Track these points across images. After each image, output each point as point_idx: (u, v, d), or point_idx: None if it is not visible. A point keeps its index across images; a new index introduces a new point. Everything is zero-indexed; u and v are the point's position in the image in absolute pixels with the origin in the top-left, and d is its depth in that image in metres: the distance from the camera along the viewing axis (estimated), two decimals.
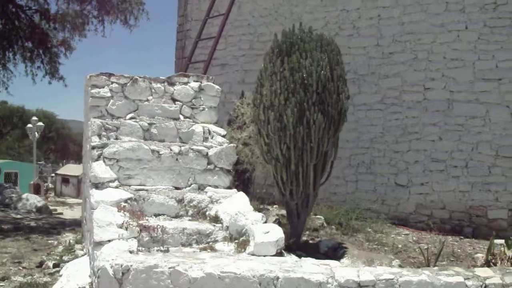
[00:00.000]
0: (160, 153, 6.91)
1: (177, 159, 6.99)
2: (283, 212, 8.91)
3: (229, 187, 7.25)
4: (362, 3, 9.78)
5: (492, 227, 8.33)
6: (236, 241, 5.90)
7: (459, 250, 7.32)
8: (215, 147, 7.30)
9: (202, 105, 8.02)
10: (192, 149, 7.10)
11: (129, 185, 6.67)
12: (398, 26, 9.29)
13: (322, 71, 6.44)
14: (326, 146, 6.55)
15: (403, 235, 8.40)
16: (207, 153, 7.14)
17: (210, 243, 5.99)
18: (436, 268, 5.38)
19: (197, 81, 8.11)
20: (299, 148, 6.48)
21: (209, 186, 7.11)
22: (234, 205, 6.49)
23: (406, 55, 9.19)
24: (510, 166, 8.26)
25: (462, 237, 8.31)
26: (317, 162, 6.58)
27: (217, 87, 8.16)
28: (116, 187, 6.50)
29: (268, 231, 5.73)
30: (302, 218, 6.84)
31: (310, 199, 6.76)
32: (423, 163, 8.98)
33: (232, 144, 7.42)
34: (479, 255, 6.85)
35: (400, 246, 7.59)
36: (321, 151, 6.53)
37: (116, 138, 7.07)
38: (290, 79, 6.46)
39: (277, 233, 5.66)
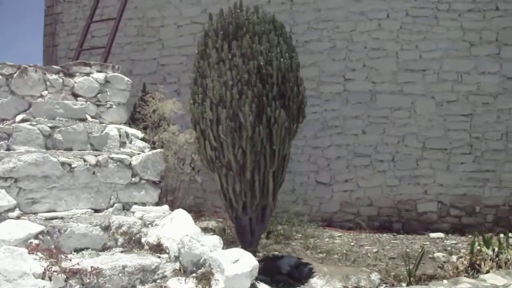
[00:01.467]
0: (73, 166, 5.01)
1: (94, 173, 5.15)
2: (213, 223, 7.45)
3: (157, 203, 5.61)
4: None
5: (422, 220, 7.82)
6: (194, 275, 4.38)
7: (408, 250, 6.57)
8: (137, 153, 5.58)
9: (109, 101, 6.16)
10: (112, 158, 5.30)
11: (35, 213, 4.70)
12: (314, 13, 8.29)
13: (283, 59, 5.11)
14: (287, 148, 5.25)
15: (337, 238, 7.47)
16: (130, 163, 5.40)
17: (159, 281, 4.41)
18: (445, 282, 4.48)
19: (101, 71, 6.21)
20: (256, 152, 5.09)
21: (136, 204, 5.40)
22: (177, 228, 4.91)
23: (323, 44, 8.23)
24: (437, 158, 7.78)
25: (394, 233, 7.65)
26: (277, 167, 5.26)
27: (126, 79, 6.36)
28: (18, 217, 4.50)
29: (237, 259, 4.34)
30: (256, 235, 5.46)
31: (267, 212, 5.41)
32: (346, 158, 8.14)
33: (159, 150, 5.74)
34: (439, 254, 6.16)
35: (346, 251, 6.63)
36: (281, 154, 5.22)
37: (8, 149, 4.98)
38: (243, 68, 5.03)
39: (248, 261, 4.32)
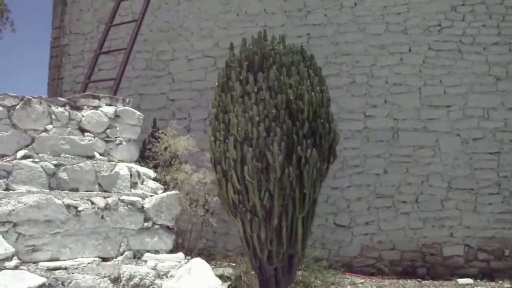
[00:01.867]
0: (79, 209, 4.44)
1: (102, 217, 4.58)
2: (228, 270, 6.80)
3: (172, 251, 5.01)
4: (288, 19, 8.19)
5: (448, 265, 7.20)
6: None
7: None
8: (150, 195, 5.01)
9: (118, 137, 5.62)
10: (122, 200, 4.73)
11: (36, 262, 4.12)
12: (332, 46, 7.86)
13: (314, 93, 4.60)
14: (318, 191, 4.69)
15: (359, 284, 6.83)
16: (142, 206, 4.83)
17: None
18: None
19: (110, 105, 5.70)
20: (284, 196, 4.52)
21: (148, 252, 4.81)
22: (196, 280, 4.33)
23: (342, 79, 7.77)
24: (463, 199, 7.22)
25: (419, 279, 7.01)
26: (307, 212, 4.68)
27: (138, 113, 5.84)
28: (16, 267, 3.92)
29: None
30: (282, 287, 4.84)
31: (295, 261, 4.80)
32: (366, 199, 7.56)
33: (173, 192, 5.16)
34: None
35: None
36: (312, 198, 4.65)
37: (7, 189, 4.39)
38: (270, 102, 4.51)
39: None
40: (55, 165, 4.73)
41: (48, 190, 4.58)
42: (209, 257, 7.78)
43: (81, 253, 4.38)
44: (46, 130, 5.14)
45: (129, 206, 4.73)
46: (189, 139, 6.31)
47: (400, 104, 7.52)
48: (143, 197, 4.93)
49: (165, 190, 5.52)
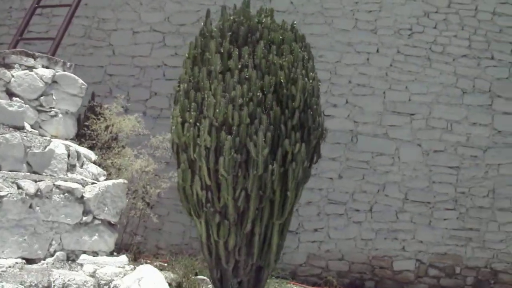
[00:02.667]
0: (1, 194, 3.34)
1: (31, 206, 3.51)
2: (170, 275, 5.85)
3: (112, 253, 4.04)
4: (251, 1, 7.36)
5: (398, 279, 6.73)
6: None
7: None
8: (91, 183, 4.00)
9: (54, 107, 4.53)
10: (58, 187, 3.69)
11: None
12: None
13: (308, 79, 3.84)
14: (300, 194, 3.93)
15: None
16: (82, 195, 3.82)
17: None
18: None
19: (48, 67, 4.59)
20: (262, 197, 3.72)
21: (85, 253, 3.80)
22: None
23: None
24: (419, 212, 6.79)
25: None
26: (286, 219, 3.90)
27: (81, 81, 4.79)
28: None
29: None
30: None
31: (264, 275, 3.99)
32: (317, 204, 6.91)
33: (121, 180, 4.16)
34: None
35: None
36: (293, 202, 3.88)
37: None
38: (257, 83, 3.69)
39: None
40: None
41: None
42: (138, 255, 6.80)
43: (0, 253, 3.29)
44: None
45: (66, 194, 3.69)
46: (138, 119, 5.31)
47: (362, 107, 6.97)
48: (83, 184, 3.90)
49: (107, 177, 4.51)
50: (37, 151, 3.87)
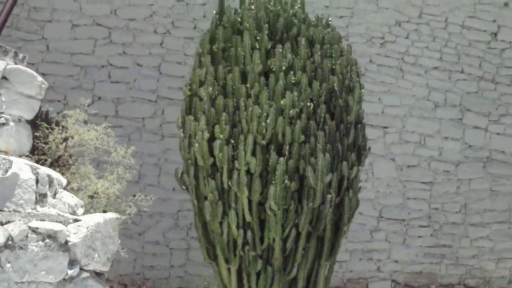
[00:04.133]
0: None
1: None
2: None
3: None
4: None
5: None
6: None
7: None
8: (72, 220, 2.82)
9: (3, 113, 3.26)
10: (35, 230, 2.49)
11: None
12: None
13: (360, 87, 3.03)
14: (349, 226, 3.08)
15: None
16: (66, 241, 2.64)
17: None
18: None
19: None
20: (310, 234, 2.83)
21: None
22: None
23: None
24: (394, 230, 6.27)
25: None
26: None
27: (39, 78, 3.53)
28: None
29: None
30: None
31: None
32: None
33: (114, 215, 3.00)
34: None
35: None
36: (343, 236, 3.03)
37: None
38: (307, 90, 2.81)
39: None
40: None
41: None
42: None
43: None
44: None
45: (47, 240, 2.50)
46: (107, 129, 4.09)
47: None
48: (64, 222, 2.71)
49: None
50: None
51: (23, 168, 2.82)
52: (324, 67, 2.92)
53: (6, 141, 3.24)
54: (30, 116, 3.51)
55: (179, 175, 3.13)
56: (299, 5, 3.27)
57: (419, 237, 6.34)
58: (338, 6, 6.51)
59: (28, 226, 2.44)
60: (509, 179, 6.59)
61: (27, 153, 3.50)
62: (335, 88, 2.92)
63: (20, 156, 3.30)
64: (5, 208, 2.63)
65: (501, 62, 6.68)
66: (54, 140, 4.01)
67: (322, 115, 2.83)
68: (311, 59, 2.96)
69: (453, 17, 6.60)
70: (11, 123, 3.29)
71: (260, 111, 2.65)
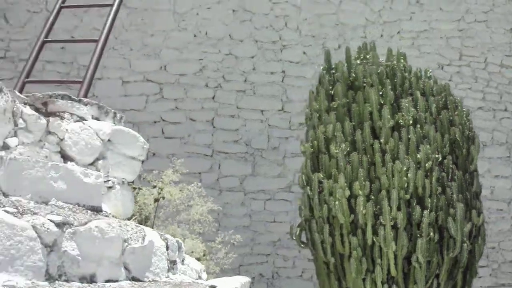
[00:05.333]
0: None
1: None
2: None
3: None
4: (259, 50, 6.55)
5: None
6: None
7: None
8: (210, 287, 2.77)
9: (108, 175, 3.24)
10: None
11: None
12: None
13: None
14: None
15: None
16: None
17: None
18: None
19: (98, 119, 3.30)
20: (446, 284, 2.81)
21: None
22: None
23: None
24: None
25: None
26: None
27: (142, 139, 3.52)
28: None
29: None
30: None
31: None
32: None
33: (247, 279, 2.94)
34: None
35: None
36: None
37: None
38: (437, 141, 2.86)
39: None
40: (57, 225, 2.24)
41: (46, 283, 2.08)
42: None
43: None
44: (7, 147, 2.60)
45: None
46: (197, 187, 4.06)
47: None
48: None
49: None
50: (136, 245, 2.56)
51: (154, 236, 2.78)
52: (442, 119, 2.99)
53: (114, 205, 3.19)
54: (132, 177, 3.47)
55: (297, 232, 3.11)
56: (402, 57, 3.37)
57: (479, 277, 6.28)
58: (381, 52, 6.68)
59: None
60: None
61: (131, 217, 3.47)
62: (457, 138, 2.98)
63: (124, 218, 3.26)
64: (145, 278, 2.58)
65: None
66: (144, 200, 3.98)
67: (450, 165, 2.87)
68: (429, 111, 3.03)
69: (492, 57, 6.80)
70: (117, 186, 3.26)
71: (401, 166, 2.68)
